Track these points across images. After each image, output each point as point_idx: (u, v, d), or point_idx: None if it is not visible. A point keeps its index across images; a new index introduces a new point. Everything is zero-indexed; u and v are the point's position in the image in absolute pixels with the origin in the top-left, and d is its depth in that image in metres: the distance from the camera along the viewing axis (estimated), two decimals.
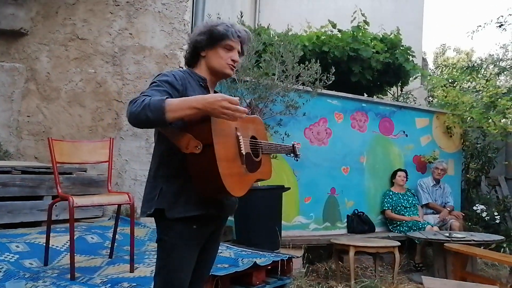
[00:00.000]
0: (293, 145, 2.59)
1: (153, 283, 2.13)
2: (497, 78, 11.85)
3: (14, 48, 5.33)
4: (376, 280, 4.99)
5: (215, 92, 2.28)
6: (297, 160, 2.65)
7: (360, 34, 7.36)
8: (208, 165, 1.88)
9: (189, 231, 2.04)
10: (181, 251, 2.05)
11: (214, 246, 2.31)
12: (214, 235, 2.23)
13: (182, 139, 1.92)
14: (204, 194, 1.99)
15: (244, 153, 2.06)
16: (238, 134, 2.06)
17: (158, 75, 2.10)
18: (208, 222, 2.11)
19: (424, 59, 13.46)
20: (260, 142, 2.27)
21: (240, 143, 2.04)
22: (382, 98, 8.23)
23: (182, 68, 2.26)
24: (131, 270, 3.33)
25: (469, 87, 11.87)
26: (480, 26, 9.38)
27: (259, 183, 5.10)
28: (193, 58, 2.21)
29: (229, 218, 5.44)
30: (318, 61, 5.47)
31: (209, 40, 2.14)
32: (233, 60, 2.18)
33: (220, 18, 2.20)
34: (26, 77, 5.29)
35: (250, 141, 2.17)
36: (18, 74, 5.23)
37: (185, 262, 2.07)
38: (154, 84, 2.02)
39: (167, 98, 1.86)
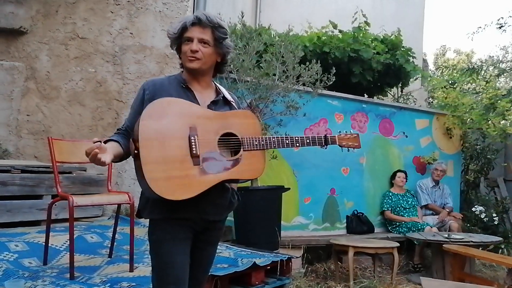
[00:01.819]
0: (325, 136, 2.30)
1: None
2: (497, 79, 11.84)
3: (14, 46, 5.32)
4: (375, 281, 5.00)
5: (217, 89, 2.24)
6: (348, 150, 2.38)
7: (361, 35, 7.36)
8: (139, 168, 1.91)
9: (172, 226, 2.04)
10: (169, 246, 2.04)
11: (208, 247, 2.24)
12: (204, 238, 2.17)
13: (130, 143, 2.02)
14: (148, 196, 2.01)
15: (198, 154, 1.96)
16: (191, 133, 1.96)
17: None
18: (189, 222, 2.07)
19: (424, 60, 13.46)
20: (241, 138, 2.08)
21: (193, 143, 1.95)
22: (383, 99, 8.23)
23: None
24: (131, 270, 3.33)
25: (469, 88, 11.86)
26: (480, 27, 9.36)
27: (259, 183, 5.12)
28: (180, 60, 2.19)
29: (229, 218, 5.46)
30: (318, 61, 5.47)
31: (172, 41, 2.16)
32: (192, 51, 2.06)
33: (220, 17, 2.11)
34: (26, 75, 5.28)
35: (220, 139, 2.03)
36: (18, 73, 5.22)
37: (175, 257, 2.03)
38: (132, 105, 2.19)
39: (108, 139, 2.05)
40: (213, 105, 2.15)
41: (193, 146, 1.95)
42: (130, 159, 2.06)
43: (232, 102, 2.24)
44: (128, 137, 2.07)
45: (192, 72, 2.12)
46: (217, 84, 2.27)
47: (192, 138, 1.96)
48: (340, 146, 2.34)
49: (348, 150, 2.37)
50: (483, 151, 8.34)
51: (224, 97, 2.21)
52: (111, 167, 3.83)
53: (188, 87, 2.12)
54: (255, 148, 2.10)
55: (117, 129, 2.15)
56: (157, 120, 1.92)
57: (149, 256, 2.16)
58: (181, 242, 2.06)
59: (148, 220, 2.12)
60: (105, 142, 2.00)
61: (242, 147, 2.07)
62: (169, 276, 2.03)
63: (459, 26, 43.44)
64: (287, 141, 2.20)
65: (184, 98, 2.06)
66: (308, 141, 2.25)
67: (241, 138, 2.08)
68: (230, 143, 2.06)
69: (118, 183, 5.13)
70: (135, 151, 1.91)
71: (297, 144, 2.23)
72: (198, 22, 2.07)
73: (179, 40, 2.12)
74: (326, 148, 2.35)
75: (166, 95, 2.03)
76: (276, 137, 2.19)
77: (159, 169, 1.88)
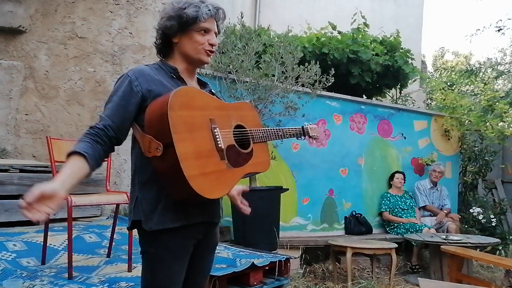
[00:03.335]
0: (302, 127, 2.29)
1: None
2: (495, 81, 11.85)
3: (12, 45, 5.32)
4: (373, 282, 4.99)
5: (201, 83, 2.09)
6: (314, 141, 2.40)
7: (360, 36, 7.38)
8: (172, 167, 1.67)
9: (176, 241, 1.85)
10: (170, 264, 1.86)
11: (208, 254, 2.10)
12: (204, 244, 2.01)
13: (144, 141, 1.74)
14: (179, 199, 1.78)
15: (223, 147, 1.83)
16: (213, 126, 1.83)
17: (117, 81, 1.90)
18: (194, 231, 1.91)
19: (423, 62, 13.50)
20: (250, 130, 2.00)
21: (217, 136, 1.82)
22: (381, 100, 8.25)
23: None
24: (129, 270, 3.33)
25: (467, 90, 11.89)
26: (479, 30, 9.43)
27: (258, 184, 5.12)
28: (164, 46, 1.96)
29: (227, 218, 5.45)
30: (317, 62, 5.48)
31: (180, 25, 1.88)
32: (211, 44, 1.93)
33: None
34: (25, 75, 5.27)
35: (234, 131, 1.94)
36: (17, 72, 5.21)
37: (175, 276, 1.89)
38: (108, 99, 1.85)
39: (74, 151, 1.66)
40: None
41: (218, 139, 1.82)
42: (129, 159, 1.93)
43: (215, 94, 2.12)
44: (104, 140, 1.75)
45: (199, 64, 2.00)
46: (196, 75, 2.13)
47: (215, 130, 1.83)
48: (310, 137, 2.30)
49: (314, 140, 2.36)
50: (481, 152, 8.36)
51: (210, 89, 2.11)
52: (109, 167, 3.83)
53: (180, 77, 1.94)
54: (261, 141, 2.06)
55: (91, 128, 1.76)
56: (184, 111, 1.74)
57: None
58: (183, 260, 1.91)
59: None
60: (68, 155, 1.68)
61: (252, 140, 2.00)
62: None
63: (458, 28, 43.57)
64: (279, 133, 2.18)
65: None
66: (292, 132, 2.25)
67: (250, 131, 2.01)
68: (241, 135, 1.97)
69: (117, 183, 5.13)
70: (159, 148, 1.68)
71: (287, 136, 2.24)
72: (215, 14, 1.94)
73: (187, 26, 1.90)
74: (303, 139, 2.35)
75: (160, 86, 1.85)
76: (271, 129, 2.15)
77: (195, 165, 1.70)
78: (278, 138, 2.19)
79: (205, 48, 1.93)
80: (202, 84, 2.10)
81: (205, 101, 1.88)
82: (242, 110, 2.07)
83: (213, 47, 1.95)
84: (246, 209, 2.11)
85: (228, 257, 3.93)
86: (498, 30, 8.61)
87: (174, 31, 1.90)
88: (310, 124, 2.36)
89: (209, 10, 1.90)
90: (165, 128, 1.67)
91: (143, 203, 1.83)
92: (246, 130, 1.99)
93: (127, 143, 1.92)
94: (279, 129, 2.20)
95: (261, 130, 2.07)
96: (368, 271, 5.80)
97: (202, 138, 1.78)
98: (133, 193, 1.89)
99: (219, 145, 1.82)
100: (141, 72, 1.87)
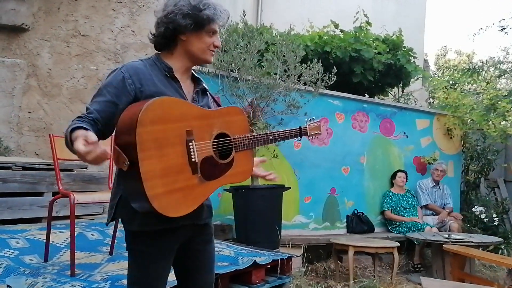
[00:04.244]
0: (300, 127, 2.25)
1: None
2: (497, 80, 11.83)
3: (15, 43, 5.33)
4: (374, 280, 4.99)
5: (195, 80, 2.06)
6: (312, 139, 2.33)
7: (362, 34, 7.37)
8: (136, 184, 1.62)
9: (160, 241, 1.86)
10: (156, 260, 1.87)
11: (206, 246, 2.06)
12: (198, 240, 2.01)
13: (113, 151, 1.66)
14: (146, 212, 1.70)
15: (196, 161, 1.77)
16: (189, 139, 1.76)
17: (109, 74, 1.88)
18: (179, 233, 1.90)
19: (425, 61, 13.46)
20: (232, 138, 1.94)
21: (191, 150, 1.76)
22: (383, 99, 8.24)
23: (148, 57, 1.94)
24: None
25: (469, 89, 11.86)
26: (481, 29, 9.36)
27: (259, 182, 5.12)
28: (168, 41, 1.92)
29: (229, 217, 5.46)
30: (320, 61, 5.47)
31: (195, 25, 1.88)
32: (215, 46, 1.97)
33: None
34: (27, 73, 5.28)
35: (214, 141, 1.87)
36: (19, 70, 5.22)
37: (162, 271, 1.91)
38: (97, 91, 1.83)
39: (76, 127, 1.64)
40: (197, 95, 2.02)
41: (192, 153, 1.76)
42: None
43: (207, 90, 2.11)
44: (96, 127, 1.74)
45: (201, 63, 2.04)
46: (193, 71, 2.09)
47: (190, 144, 1.76)
48: (309, 136, 2.27)
49: (314, 138, 2.32)
50: (483, 151, 8.35)
51: (203, 87, 2.08)
52: (111, 165, 3.83)
53: (174, 76, 1.92)
54: (245, 148, 1.99)
55: (82, 115, 1.75)
56: (156, 125, 1.67)
57: None
58: (169, 255, 1.92)
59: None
60: (72, 130, 1.65)
61: (234, 148, 1.95)
62: None
63: (460, 26, 43.46)
64: (270, 137, 2.10)
65: (169, 89, 1.87)
66: (286, 135, 2.19)
67: (233, 139, 1.95)
68: (222, 145, 1.91)
69: None
70: (126, 163, 1.61)
71: (279, 139, 2.17)
72: (227, 19, 2.01)
73: (202, 27, 1.91)
74: (299, 140, 2.31)
75: (152, 85, 1.82)
76: (261, 134, 2.07)
77: (160, 183, 1.66)
78: (269, 143, 2.13)
79: (210, 49, 1.95)
80: (195, 80, 2.07)
81: (184, 112, 1.80)
82: (229, 116, 1.98)
83: (216, 48, 1.98)
84: (272, 176, 2.15)
85: (230, 255, 3.93)
86: (501, 30, 8.56)
87: (187, 29, 1.88)
88: (312, 120, 2.31)
89: (224, 15, 1.94)
90: (132, 144, 1.61)
91: (127, 202, 1.76)
92: (229, 139, 1.93)
93: None
94: (271, 133, 2.12)
95: (247, 136, 1.99)
96: (370, 270, 5.80)
97: (173, 153, 1.72)
98: (117, 189, 1.87)
99: (192, 159, 1.76)
100: (135, 70, 1.84)
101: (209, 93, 2.12)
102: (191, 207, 1.77)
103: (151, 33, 1.97)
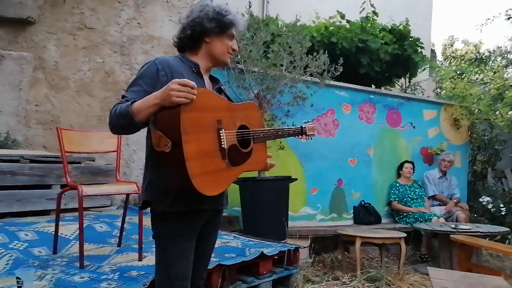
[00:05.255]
0: (301, 127, 2.42)
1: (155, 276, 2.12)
2: (504, 70, 11.75)
3: (22, 36, 5.33)
4: (382, 271, 5.00)
5: (213, 79, 2.26)
6: (310, 139, 2.49)
7: (369, 25, 7.33)
8: (178, 164, 1.78)
9: (184, 222, 2.02)
10: (179, 243, 2.03)
11: (212, 234, 2.28)
12: (209, 225, 2.19)
13: (154, 135, 1.83)
14: (182, 188, 1.89)
15: (225, 147, 1.96)
16: (219, 127, 1.96)
17: (143, 66, 2.07)
18: (201, 216, 2.09)
19: (432, 51, 13.36)
20: (251, 131, 2.15)
21: (221, 137, 1.95)
22: (390, 90, 8.20)
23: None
24: (140, 259, 3.37)
25: (477, 79, 11.80)
26: (488, 19, 9.30)
27: (266, 174, 5.13)
28: (193, 42, 2.15)
29: (236, 208, 5.49)
30: (326, 52, 5.45)
31: (219, 28, 2.11)
32: (233, 49, 2.19)
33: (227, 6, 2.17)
34: (34, 66, 5.29)
35: (237, 132, 2.08)
36: (26, 63, 5.23)
37: (184, 253, 2.05)
38: (133, 82, 2.01)
39: (132, 101, 1.86)
40: (217, 93, 2.20)
41: (222, 140, 1.95)
42: (139, 149, 2.00)
43: (224, 90, 2.31)
44: None
45: (221, 65, 2.23)
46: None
47: (220, 132, 1.95)
48: (307, 135, 2.43)
49: (310, 139, 2.49)
50: (490, 141, 8.32)
51: (221, 86, 2.29)
52: (119, 157, 3.85)
53: (200, 72, 2.13)
54: (261, 141, 2.21)
55: (121, 101, 1.93)
56: (195, 113, 1.84)
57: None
58: (191, 239, 2.07)
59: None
60: (124, 108, 1.85)
61: (253, 140, 2.14)
62: (179, 273, 2.03)
63: (467, 16, 43.10)
64: (279, 133, 2.37)
65: (196, 83, 1.95)
66: (291, 132, 2.44)
67: (253, 131, 2.14)
68: (243, 135, 2.11)
69: (127, 173, 5.16)
70: (168, 145, 1.78)
71: (285, 135, 2.45)
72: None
73: (225, 31, 2.14)
74: (300, 138, 2.50)
75: (182, 78, 1.91)
76: (271, 129, 2.32)
77: (198, 164, 1.82)
78: (277, 137, 2.39)
79: (229, 51, 2.18)
80: (214, 80, 2.27)
81: (215, 103, 2.01)
82: (248, 110, 2.21)
83: (233, 52, 2.20)
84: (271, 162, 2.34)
85: (237, 246, 3.95)
86: (508, 19, 8.50)
87: (212, 32, 2.11)
88: (309, 122, 2.47)
89: (243, 22, 2.22)
90: (176, 128, 1.78)
91: (156, 185, 2.00)
92: (249, 131, 2.13)
93: (135, 133, 1.96)
94: (279, 129, 2.41)
95: (262, 130, 2.22)
96: (377, 261, 5.81)
97: (208, 139, 1.91)
98: (146, 175, 2.07)
99: (222, 146, 1.95)
100: (167, 63, 2.04)
101: (225, 92, 2.30)
102: (222, 188, 1.97)
103: (175, 37, 2.20)
